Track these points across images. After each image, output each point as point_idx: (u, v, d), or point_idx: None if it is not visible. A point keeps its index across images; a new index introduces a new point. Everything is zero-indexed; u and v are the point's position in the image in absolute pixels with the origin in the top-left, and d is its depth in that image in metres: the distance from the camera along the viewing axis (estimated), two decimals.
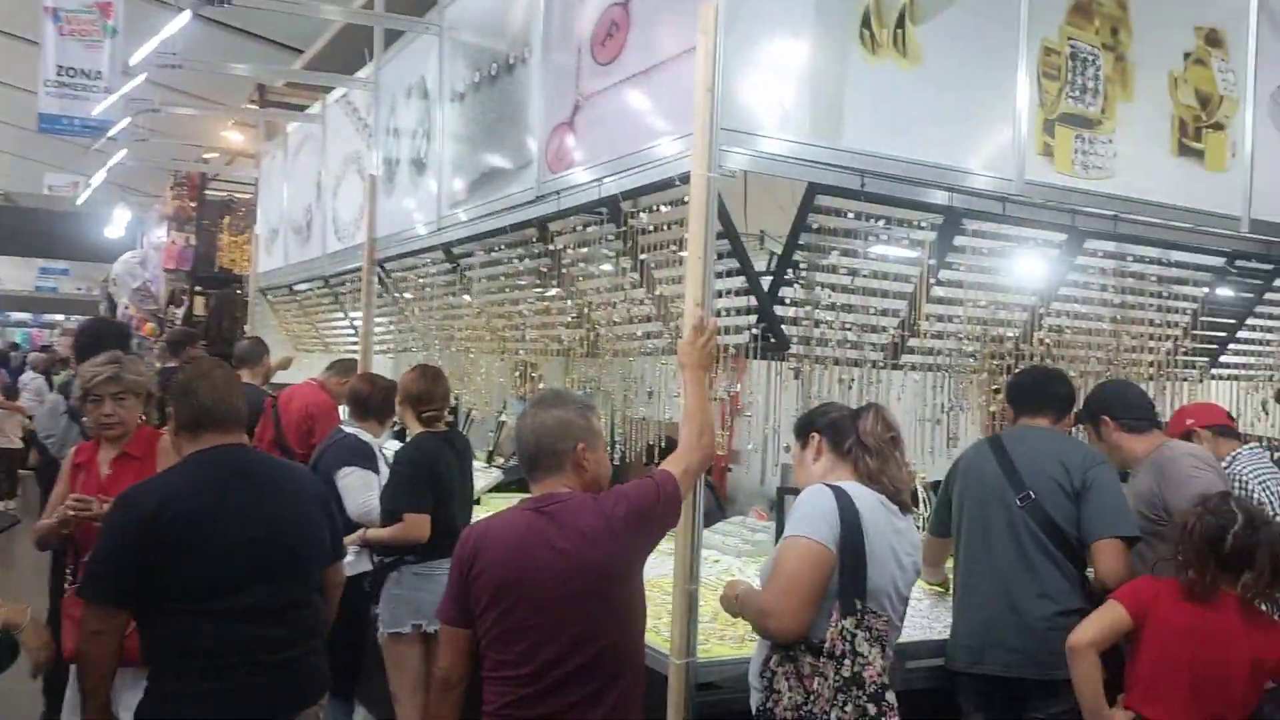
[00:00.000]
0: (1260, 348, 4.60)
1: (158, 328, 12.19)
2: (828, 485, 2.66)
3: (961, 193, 3.50)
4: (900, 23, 3.36)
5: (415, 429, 4.36)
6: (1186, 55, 3.97)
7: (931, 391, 3.72)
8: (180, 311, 11.71)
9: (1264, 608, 2.83)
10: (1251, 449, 3.77)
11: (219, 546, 2.69)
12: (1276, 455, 4.18)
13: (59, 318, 25.31)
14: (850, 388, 3.49)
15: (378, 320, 6.35)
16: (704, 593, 3.18)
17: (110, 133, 7.85)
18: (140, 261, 13.40)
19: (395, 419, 4.80)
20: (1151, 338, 4.14)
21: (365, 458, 4.59)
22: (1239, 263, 4.21)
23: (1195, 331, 4.30)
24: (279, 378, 7.37)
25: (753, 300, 3.28)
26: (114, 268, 14.31)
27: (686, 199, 3.11)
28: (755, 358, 3.30)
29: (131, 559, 2.63)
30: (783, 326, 3.31)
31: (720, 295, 3.18)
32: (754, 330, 3.27)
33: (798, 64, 3.25)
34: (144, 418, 3.68)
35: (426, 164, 5.36)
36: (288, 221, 8.11)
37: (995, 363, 3.82)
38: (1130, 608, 2.82)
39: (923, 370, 3.71)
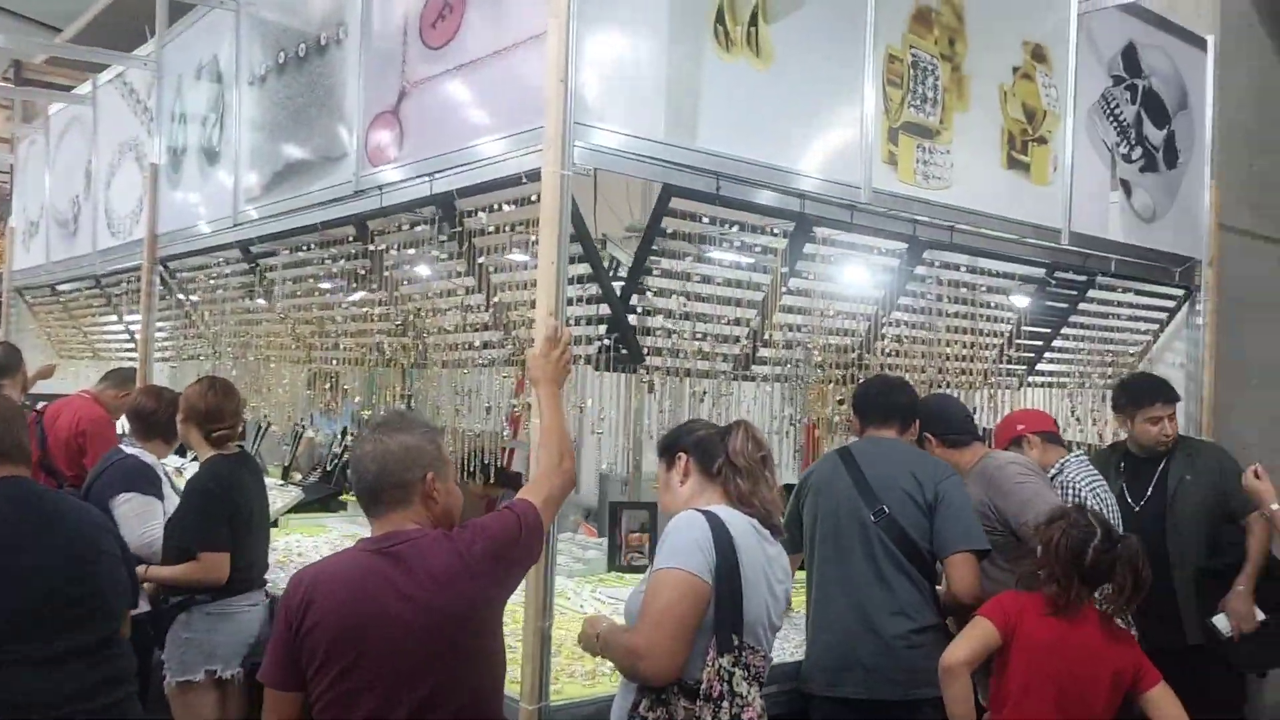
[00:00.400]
0: (1072, 356, 4.77)
1: None
2: (699, 510, 2.46)
3: (813, 199, 3.39)
4: (754, 20, 3.21)
5: (204, 451, 3.86)
6: (1015, 69, 4.04)
7: (781, 403, 3.61)
8: None
9: (1118, 620, 2.85)
10: (1078, 456, 3.86)
11: (16, 589, 2.42)
12: None
13: None
14: (703, 400, 3.32)
15: (159, 325, 5.74)
16: None
17: None
18: None
19: None
20: (982, 347, 4.19)
21: (147, 482, 4.05)
22: (1058, 274, 4.33)
23: (1018, 341, 4.39)
24: (41, 388, 6.58)
25: (604, 309, 3.05)
26: None
27: (534, 198, 2.85)
28: (607, 370, 3.08)
29: None
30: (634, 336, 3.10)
31: (570, 303, 2.93)
32: (605, 341, 3.04)
33: (651, 58, 3.05)
34: None
35: (220, 153, 4.85)
36: (50, 214, 7.25)
37: (840, 373, 3.75)
38: (999, 624, 2.78)
39: (772, 381, 3.59)
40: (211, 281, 5.23)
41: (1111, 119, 4.45)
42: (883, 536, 3.19)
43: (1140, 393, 4.13)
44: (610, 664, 2.79)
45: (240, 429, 4.05)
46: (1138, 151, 4.57)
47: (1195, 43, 4.85)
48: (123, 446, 4.25)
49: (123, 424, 4.82)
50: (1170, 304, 4.92)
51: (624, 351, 3.08)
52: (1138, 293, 4.76)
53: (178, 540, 3.70)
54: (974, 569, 3.15)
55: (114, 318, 6.61)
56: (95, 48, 6.28)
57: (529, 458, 5.28)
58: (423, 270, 3.73)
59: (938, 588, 3.24)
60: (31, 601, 2.43)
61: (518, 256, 3.18)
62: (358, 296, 4.17)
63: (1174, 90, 4.75)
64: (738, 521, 2.46)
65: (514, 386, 3.85)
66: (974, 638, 2.79)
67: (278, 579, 4.42)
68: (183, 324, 5.73)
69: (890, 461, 3.30)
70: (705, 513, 2.44)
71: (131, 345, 6.31)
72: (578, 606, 4.05)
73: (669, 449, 2.63)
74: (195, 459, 4.06)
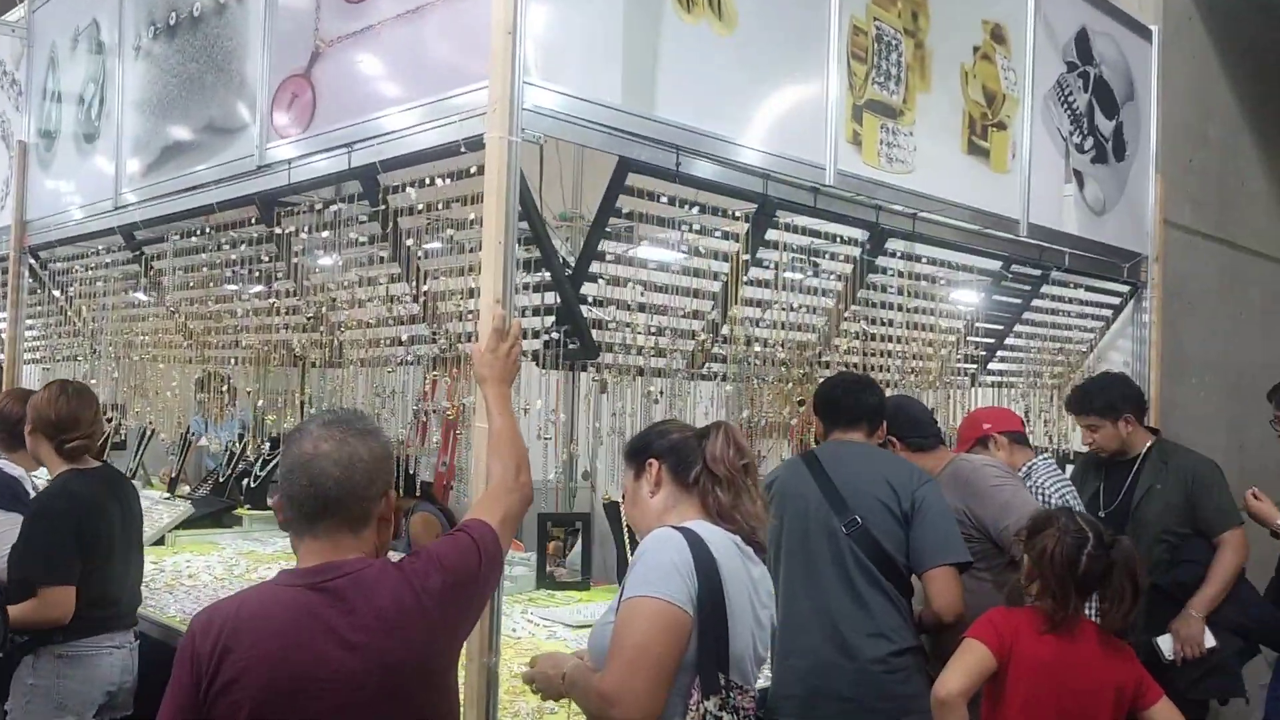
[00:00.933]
0: (1023, 354, 4.59)
1: None
2: (675, 528, 2.12)
3: (776, 180, 3.10)
4: None
5: (56, 465, 3.37)
6: (975, 49, 3.82)
7: (741, 403, 3.30)
8: None
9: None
10: (1045, 459, 3.66)
11: None
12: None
13: None
14: (657, 401, 2.98)
15: (29, 323, 5.17)
16: None
17: None
18: None
19: None
20: (941, 344, 3.96)
21: (12, 496, 3.57)
22: (1015, 267, 4.12)
23: (973, 338, 4.18)
24: None
25: (552, 297, 2.70)
26: None
27: (473, 170, 2.49)
28: (554, 367, 2.72)
29: None
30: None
31: (516, 291, 2.57)
32: (554, 334, 2.69)
33: (606, 13, 2.70)
34: None
35: (101, 128, 4.34)
36: None
37: (801, 371, 3.46)
38: (993, 646, 2.51)
39: (731, 380, 3.28)
40: (90, 273, 4.70)
41: (1065, 107, 4.28)
42: (855, 549, 2.92)
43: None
44: (557, 701, 2.45)
45: (99, 440, 3.57)
46: (1089, 142, 4.41)
47: (1140, 32, 4.72)
48: None
49: None
50: (1116, 300, 4.78)
51: (574, 346, 2.72)
52: (1087, 288, 4.61)
53: (19, 573, 3.21)
54: (956, 584, 2.90)
55: None
56: None
57: (434, 465, 4.94)
58: (337, 256, 3.31)
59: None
60: None
61: (442, 241, 2.81)
62: (259, 288, 3.75)
63: (1122, 80, 4.61)
64: (719, 540, 2.12)
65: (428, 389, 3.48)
66: (968, 664, 2.50)
67: (164, 604, 3.96)
68: (57, 320, 5.17)
69: (861, 467, 3.03)
70: (682, 530, 2.11)
71: None
72: (509, 630, 3.68)
73: (638, 454, 2.28)
74: None
